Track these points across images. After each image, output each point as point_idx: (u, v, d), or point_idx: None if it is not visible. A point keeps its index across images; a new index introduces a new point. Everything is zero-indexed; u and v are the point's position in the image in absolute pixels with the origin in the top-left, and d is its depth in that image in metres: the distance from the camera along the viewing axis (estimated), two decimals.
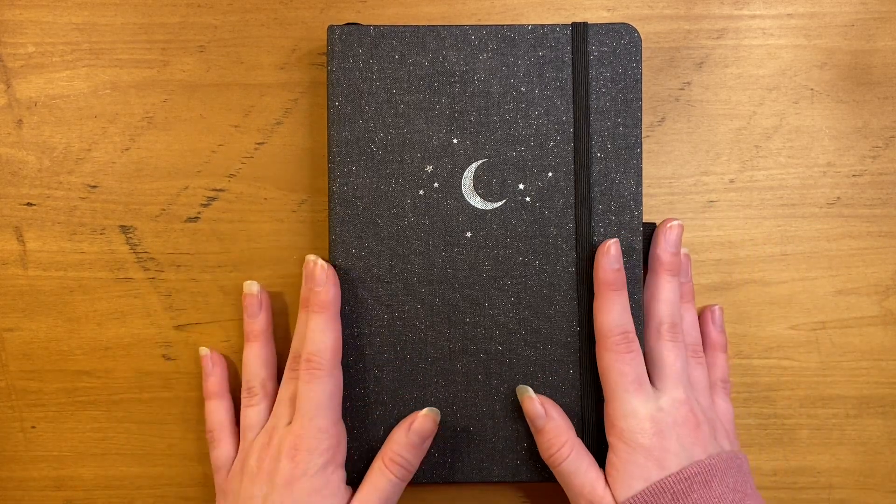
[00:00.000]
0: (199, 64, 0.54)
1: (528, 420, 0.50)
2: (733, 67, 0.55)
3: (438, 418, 0.50)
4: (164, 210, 0.54)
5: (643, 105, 0.53)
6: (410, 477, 0.50)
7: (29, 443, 0.54)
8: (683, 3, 0.55)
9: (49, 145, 0.54)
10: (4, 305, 0.54)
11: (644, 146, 0.54)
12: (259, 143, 0.54)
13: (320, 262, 0.49)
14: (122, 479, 0.55)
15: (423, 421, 0.49)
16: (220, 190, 0.54)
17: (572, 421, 0.51)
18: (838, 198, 0.55)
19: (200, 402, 0.54)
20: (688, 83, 0.55)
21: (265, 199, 0.54)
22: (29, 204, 0.54)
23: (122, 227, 0.54)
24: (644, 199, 0.54)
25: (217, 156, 0.54)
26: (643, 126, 0.53)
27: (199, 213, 0.54)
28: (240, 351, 0.54)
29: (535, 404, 0.50)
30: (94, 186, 0.54)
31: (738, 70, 0.55)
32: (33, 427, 0.54)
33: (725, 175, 0.55)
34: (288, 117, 0.54)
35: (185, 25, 0.54)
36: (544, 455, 0.49)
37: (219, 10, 0.54)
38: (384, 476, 0.49)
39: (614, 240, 0.50)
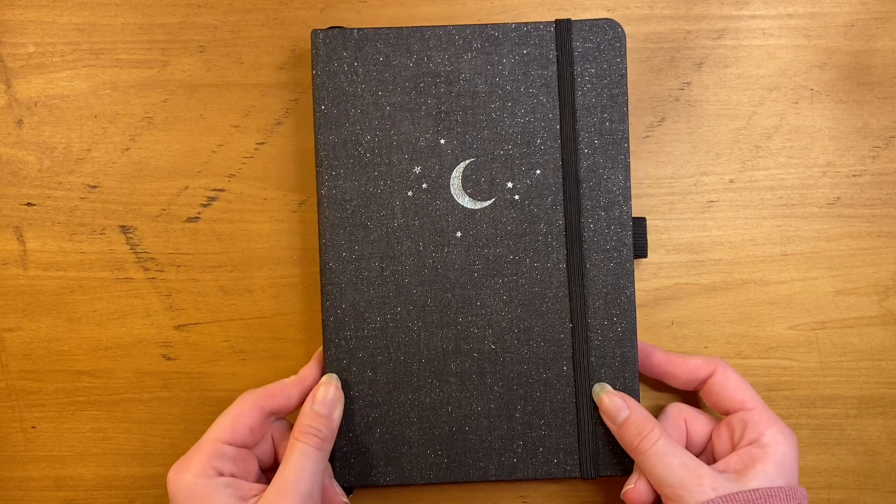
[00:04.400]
0: (199, 64, 0.54)
1: (606, 418, 0.50)
2: (733, 67, 0.55)
3: (339, 383, 0.50)
4: (164, 210, 0.54)
5: (643, 105, 0.53)
6: (329, 448, 0.48)
7: (29, 443, 0.55)
8: (683, 3, 0.55)
9: (49, 145, 0.54)
10: (4, 305, 0.54)
11: (644, 146, 0.54)
12: (259, 143, 0.54)
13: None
14: (122, 479, 0.55)
15: (324, 390, 0.49)
16: (220, 190, 0.54)
17: (566, 418, 0.51)
18: (838, 198, 0.55)
19: (200, 402, 0.54)
20: (688, 83, 0.55)
21: (265, 199, 0.54)
22: (29, 204, 0.54)
23: (122, 227, 0.54)
24: (644, 199, 0.54)
25: (217, 156, 0.54)
26: (643, 126, 0.53)
27: (199, 213, 0.54)
28: (241, 351, 0.54)
29: (615, 398, 0.49)
30: (94, 186, 0.54)
31: (737, 70, 0.55)
32: (33, 427, 0.55)
33: (725, 175, 0.55)
34: (288, 117, 0.54)
35: (185, 25, 0.54)
36: (633, 444, 0.48)
37: (219, 10, 0.54)
38: (296, 448, 0.47)
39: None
